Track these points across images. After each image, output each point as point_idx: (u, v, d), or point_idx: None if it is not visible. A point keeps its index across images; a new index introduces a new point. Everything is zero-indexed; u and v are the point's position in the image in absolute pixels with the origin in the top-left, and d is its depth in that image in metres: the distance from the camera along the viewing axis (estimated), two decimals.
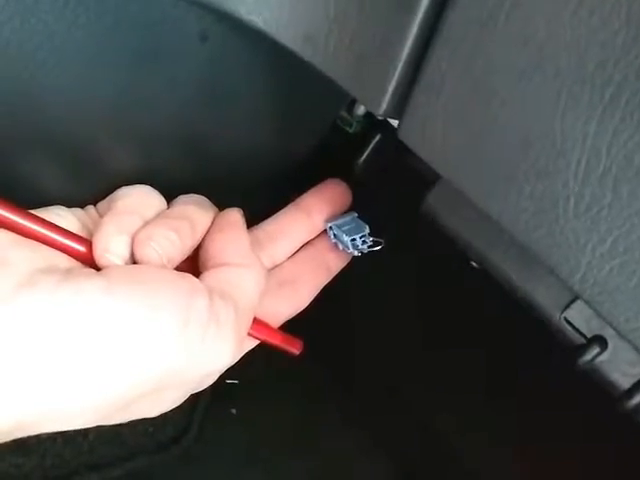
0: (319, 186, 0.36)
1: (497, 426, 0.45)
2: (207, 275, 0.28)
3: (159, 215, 0.28)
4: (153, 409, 0.27)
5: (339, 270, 0.36)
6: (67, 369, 0.22)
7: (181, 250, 0.27)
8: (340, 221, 0.35)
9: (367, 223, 0.35)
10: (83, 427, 0.25)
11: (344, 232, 0.34)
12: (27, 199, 0.25)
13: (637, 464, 0.38)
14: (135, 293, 0.24)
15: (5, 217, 0.24)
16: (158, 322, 0.24)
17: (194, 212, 0.29)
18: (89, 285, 0.23)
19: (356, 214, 0.35)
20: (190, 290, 0.25)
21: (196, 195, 0.31)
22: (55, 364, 0.22)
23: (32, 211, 0.25)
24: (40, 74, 0.24)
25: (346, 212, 0.36)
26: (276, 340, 0.32)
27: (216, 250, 0.29)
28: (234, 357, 0.27)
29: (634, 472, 0.38)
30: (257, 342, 0.32)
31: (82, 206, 0.28)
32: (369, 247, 0.34)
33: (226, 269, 0.28)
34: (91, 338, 0.23)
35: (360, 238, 0.34)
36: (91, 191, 0.29)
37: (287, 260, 0.34)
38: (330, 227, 0.34)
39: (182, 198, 0.30)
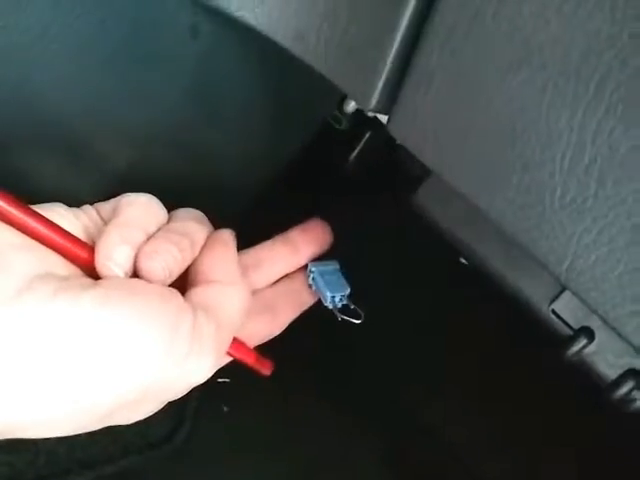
0: (304, 224, 0.37)
1: (491, 419, 0.46)
2: (195, 291, 0.28)
3: (162, 229, 0.29)
4: (129, 418, 0.27)
5: (308, 307, 0.37)
6: (53, 377, 0.23)
7: (181, 266, 0.28)
8: (322, 268, 0.35)
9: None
10: (59, 435, 0.25)
11: (326, 283, 0.35)
12: (22, 194, 0.25)
13: (629, 451, 0.38)
14: (126, 309, 0.24)
15: (11, 214, 0.24)
16: (148, 338, 0.24)
17: (193, 229, 0.30)
18: (85, 296, 0.23)
19: (338, 265, 0.36)
20: (178, 308, 0.26)
21: (194, 210, 0.31)
22: (45, 371, 0.22)
23: (33, 207, 0.25)
24: (34, 69, 0.24)
25: (328, 258, 0.36)
26: (250, 360, 0.33)
27: (206, 267, 0.29)
28: (212, 372, 0.28)
29: (628, 456, 0.39)
30: (231, 359, 0.32)
31: (77, 201, 0.28)
32: (345, 313, 0.35)
33: (213, 286, 0.29)
34: (83, 348, 0.23)
35: (340, 297, 0.35)
36: (85, 186, 0.29)
37: (268, 287, 0.35)
38: (311, 270, 0.35)
39: (182, 213, 0.31)
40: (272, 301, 0.35)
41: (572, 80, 0.19)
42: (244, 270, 0.33)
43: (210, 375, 0.29)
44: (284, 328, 0.35)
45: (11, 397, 0.22)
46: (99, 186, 0.29)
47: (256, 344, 0.34)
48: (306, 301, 0.37)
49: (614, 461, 0.41)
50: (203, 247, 0.30)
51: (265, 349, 0.34)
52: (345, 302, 0.35)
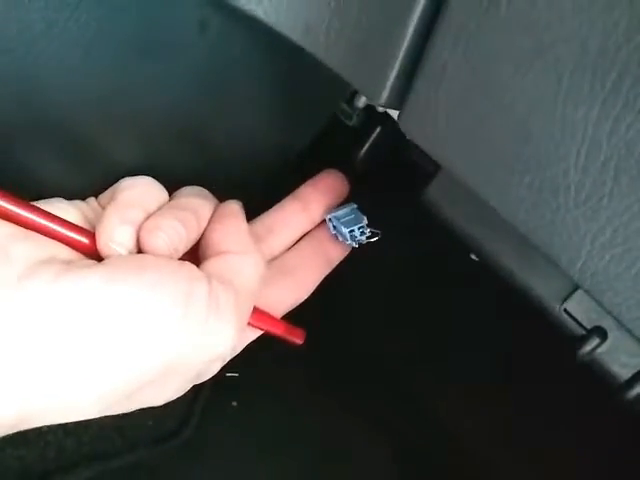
0: (316, 177, 0.36)
1: (497, 411, 0.46)
2: (208, 263, 0.28)
3: (164, 206, 0.28)
4: (157, 398, 0.27)
5: (339, 261, 0.36)
6: (69, 359, 0.22)
7: (186, 241, 0.28)
8: (339, 212, 0.35)
9: (367, 215, 0.35)
10: (87, 418, 0.25)
11: (343, 224, 0.34)
12: (27, 191, 0.25)
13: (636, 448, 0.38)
14: (136, 281, 0.24)
15: (7, 209, 0.24)
16: (160, 309, 0.24)
17: (197, 204, 0.29)
18: (90, 274, 0.23)
19: (355, 205, 0.35)
20: (190, 277, 0.25)
21: (197, 187, 0.31)
22: (57, 355, 0.22)
23: (33, 203, 0.25)
24: (39, 63, 0.24)
25: (345, 203, 0.36)
26: (279, 330, 0.32)
27: (216, 239, 0.29)
28: (236, 342, 0.28)
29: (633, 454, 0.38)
30: (260, 332, 0.32)
31: (82, 197, 0.28)
32: (367, 238, 0.34)
33: (226, 256, 0.28)
34: (93, 327, 0.23)
35: (358, 229, 0.34)
36: (91, 181, 0.29)
37: (288, 250, 0.34)
38: (329, 219, 0.35)
39: (184, 190, 0.30)
40: (293, 264, 0.34)
41: (588, 75, 0.18)
42: (256, 238, 0.32)
43: (235, 346, 0.28)
44: (312, 290, 0.34)
45: (22, 385, 0.22)
46: (104, 179, 0.29)
47: (283, 313, 0.33)
48: (333, 256, 0.35)
49: (620, 459, 0.40)
50: (211, 220, 0.30)
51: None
52: (366, 232, 0.34)
